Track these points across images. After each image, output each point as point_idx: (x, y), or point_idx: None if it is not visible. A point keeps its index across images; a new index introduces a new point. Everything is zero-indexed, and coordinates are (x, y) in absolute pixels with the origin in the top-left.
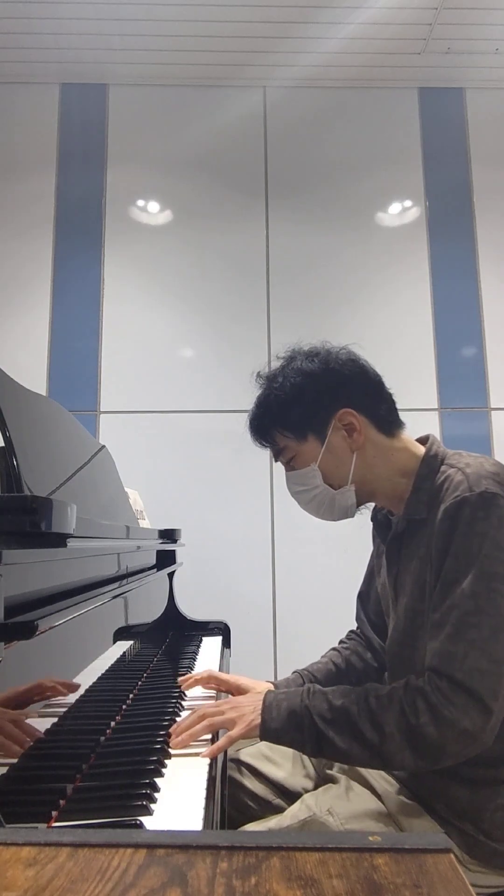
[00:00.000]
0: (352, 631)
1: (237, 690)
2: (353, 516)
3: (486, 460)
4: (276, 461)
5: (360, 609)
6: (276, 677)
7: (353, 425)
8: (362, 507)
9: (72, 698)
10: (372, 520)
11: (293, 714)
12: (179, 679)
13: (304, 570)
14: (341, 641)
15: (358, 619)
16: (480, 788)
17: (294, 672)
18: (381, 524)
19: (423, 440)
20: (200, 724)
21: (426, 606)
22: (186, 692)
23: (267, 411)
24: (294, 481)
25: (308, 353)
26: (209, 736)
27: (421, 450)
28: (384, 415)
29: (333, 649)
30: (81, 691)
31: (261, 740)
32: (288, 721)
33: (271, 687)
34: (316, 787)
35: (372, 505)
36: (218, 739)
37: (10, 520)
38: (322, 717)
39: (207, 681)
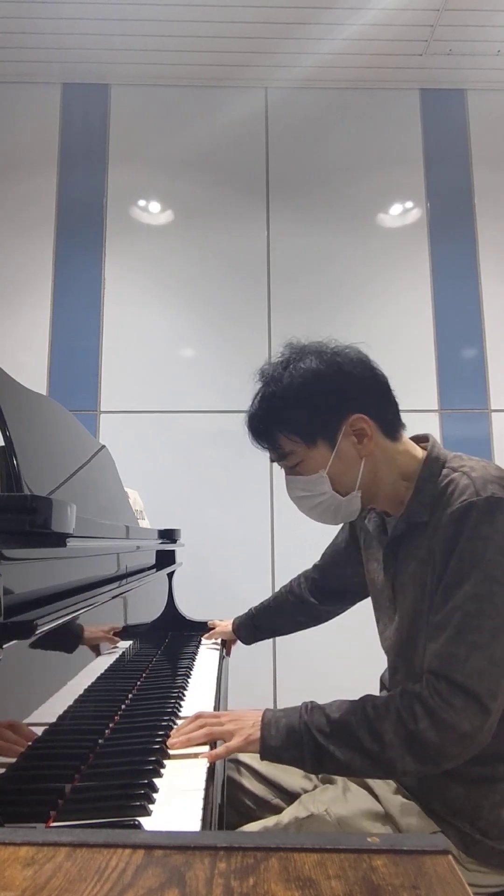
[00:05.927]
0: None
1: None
2: (354, 519)
3: (489, 464)
4: (274, 462)
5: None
6: (274, 677)
7: (365, 431)
8: (364, 511)
9: (70, 698)
10: (364, 519)
11: (292, 731)
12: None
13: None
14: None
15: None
16: (477, 787)
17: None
18: (376, 524)
19: (420, 439)
20: (199, 732)
21: (426, 608)
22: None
23: (270, 413)
24: (298, 486)
25: (316, 352)
26: None
27: (421, 452)
28: (391, 419)
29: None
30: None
31: (261, 759)
32: (287, 739)
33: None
34: (314, 788)
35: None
36: (215, 745)
37: (10, 519)
38: (321, 732)
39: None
